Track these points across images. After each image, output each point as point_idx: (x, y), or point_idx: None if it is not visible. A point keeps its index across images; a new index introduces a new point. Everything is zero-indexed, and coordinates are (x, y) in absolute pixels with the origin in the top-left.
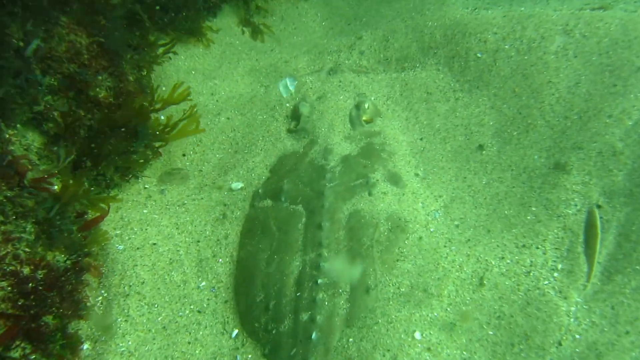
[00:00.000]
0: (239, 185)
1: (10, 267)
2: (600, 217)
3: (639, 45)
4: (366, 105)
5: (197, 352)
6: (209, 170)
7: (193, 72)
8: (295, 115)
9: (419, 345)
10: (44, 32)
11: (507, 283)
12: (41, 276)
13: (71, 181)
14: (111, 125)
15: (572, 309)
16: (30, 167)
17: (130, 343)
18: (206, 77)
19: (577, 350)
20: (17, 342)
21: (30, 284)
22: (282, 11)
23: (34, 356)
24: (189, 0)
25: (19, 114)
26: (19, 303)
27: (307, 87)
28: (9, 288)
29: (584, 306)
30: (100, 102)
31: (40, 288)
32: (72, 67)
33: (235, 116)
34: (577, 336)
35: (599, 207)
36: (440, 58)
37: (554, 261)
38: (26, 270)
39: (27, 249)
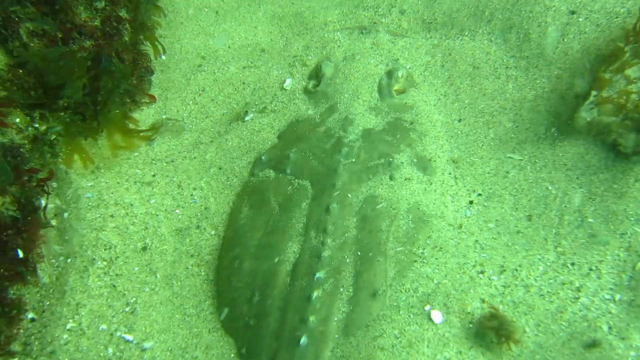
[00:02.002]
0: (240, 146)
1: None
2: None
3: None
4: (400, 74)
5: (159, 339)
6: (208, 125)
7: (206, 10)
8: (315, 75)
9: None
10: None
11: (547, 308)
12: None
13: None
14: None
15: (632, 353)
16: None
17: (83, 317)
18: (220, 17)
19: None
20: None
21: None
22: None
23: None
24: None
25: None
26: None
27: (334, 44)
28: None
29: None
30: (83, 26)
31: None
32: None
33: (246, 67)
34: None
35: None
36: (495, 27)
37: (611, 289)
38: None
39: None
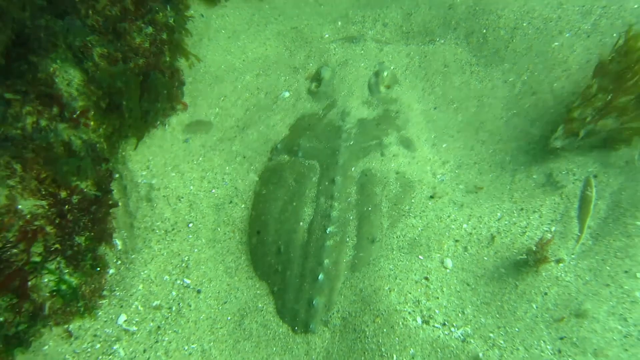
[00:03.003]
0: (259, 138)
1: (50, 189)
2: (595, 186)
3: None
4: (385, 74)
5: (209, 284)
6: (231, 124)
7: (223, 31)
8: (317, 78)
9: (419, 288)
10: None
11: (503, 241)
12: (76, 201)
13: (104, 122)
14: (141, 73)
15: (561, 265)
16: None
17: (151, 271)
18: (236, 36)
19: (561, 297)
20: (54, 256)
21: (67, 206)
22: None
23: (67, 270)
24: None
25: (60, 52)
26: (56, 222)
27: (330, 52)
28: (48, 207)
29: (572, 262)
30: (137, 48)
31: (75, 211)
32: (115, 10)
33: (260, 76)
34: (564, 286)
35: (595, 176)
36: (460, 33)
37: (549, 224)
38: (63, 193)
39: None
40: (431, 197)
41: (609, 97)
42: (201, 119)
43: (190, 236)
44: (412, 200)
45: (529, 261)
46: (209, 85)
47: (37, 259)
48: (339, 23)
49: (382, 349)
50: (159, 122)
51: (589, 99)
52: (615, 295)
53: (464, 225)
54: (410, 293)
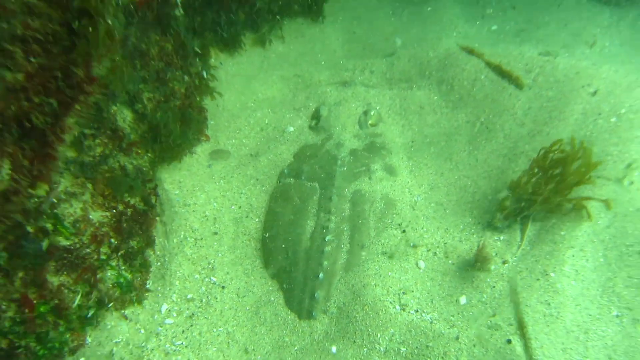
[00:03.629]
0: (269, 164)
1: (111, 204)
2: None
3: (572, 84)
4: (372, 113)
5: (231, 282)
6: (246, 152)
7: (238, 76)
8: (316, 116)
9: (398, 284)
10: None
11: (463, 247)
12: (130, 213)
13: (149, 152)
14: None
15: (506, 265)
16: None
17: (185, 270)
18: (248, 81)
19: (505, 289)
20: (115, 255)
21: (123, 217)
22: (310, 34)
23: (123, 267)
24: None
25: (118, 96)
26: (117, 229)
27: (327, 94)
28: (110, 217)
29: (514, 263)
30: (175, 92)
31: (130, 221)
32: (160, 64)
33: (268, 113)
34: (507, 280)
35: None
36: (433, 81)
37: (499, 234)
38: (120, 207)
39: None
40: (409, 213)
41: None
42: (221, 148)
43: (215, 243)
44: (394, 216)
45: (474, 262)
46: (227, 120)
47: (104, 257)
48: (334, 70)
49: (369, 330)
50: (187, 151)
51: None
52: (543, 287)
53: (435, 235)
54: (391, 287)
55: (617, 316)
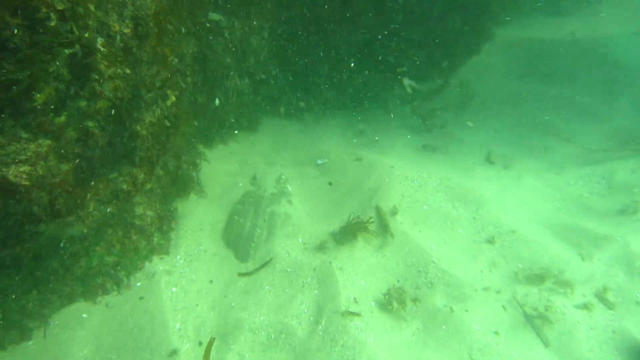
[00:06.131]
0: (230, 198)
1: (157, 210)
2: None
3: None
4: (283, 177)
5: (209, 249)
6: (218, 193)
7: (212, 159)
8: (253, 178)
9: (292, 246)
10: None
11: (325, 229)
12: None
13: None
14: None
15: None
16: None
17: (187, 243)
18: (217, 162)
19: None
20: (157, 231)
21: (163, 217)
22: (252, 139)
23: (160, 236)
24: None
25: None
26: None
27: (260, 168)
28: (157, 217)
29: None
30: (182, 164)
31: (166, 219)
32: (173, 163)
33: (228, 178)
34: None
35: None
36: (320, 170)
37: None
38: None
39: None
40: (294, 218)
41: None
42: (205, 192)
43: (201, 234)
44: (290, 221)
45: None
46: (207, 180)
47: (156, 234)
48: (264, 157)
49: (273, 264)
50: (192, 192)
51: None
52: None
53: (310, 227)
54: (287, 247)
55: None
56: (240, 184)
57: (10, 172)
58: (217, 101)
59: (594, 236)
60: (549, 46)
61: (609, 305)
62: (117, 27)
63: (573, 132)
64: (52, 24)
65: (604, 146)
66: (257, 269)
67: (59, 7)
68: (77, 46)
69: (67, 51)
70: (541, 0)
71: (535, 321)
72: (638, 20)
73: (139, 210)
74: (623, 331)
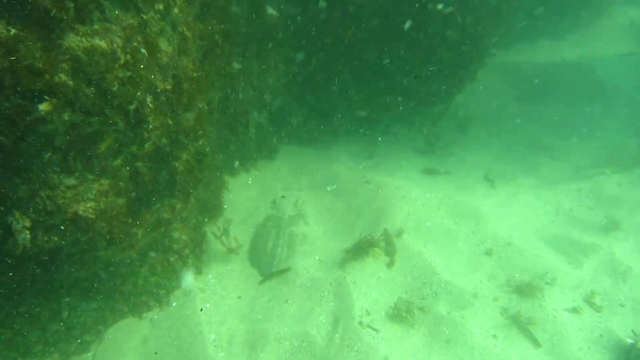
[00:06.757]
0: (254, 220)
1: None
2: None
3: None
4: (300, 201)
5: (234, 268)
6: (243, 216)
7: (236, 187)
8: (273, 202)
9: (311, 261)
10: None
11: (340, 246)
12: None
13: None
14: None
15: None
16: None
17: (216, 263)
18: (241, 189)
19: None
20: (191, 254)
21: (197, 242)
22: (271, 166)
23: (191, 256)
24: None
25: None
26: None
27: (278, 193)
28: (189, 238)
29: None
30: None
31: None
32: (203, 192)
33: (251, 203)
34: None
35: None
36: (333, 193)
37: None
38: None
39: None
40: (310, 239)
41: None
42: (232, 214)
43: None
44: (307, 241)
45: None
46: (232, 204)
47: (190, 256)
48: (282, 183)
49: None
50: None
51: None
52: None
53: (325, 247)
54: (306, 264)
55: None
56: (262, 208)
57: (80, 208)
58: (239, 134)
59: (583, 246)
60: (543, 69)
61: (597, 309)
62: (162, 86)
63: (565, 150)
64: (114, 88)
65: (593, 162)
66: (274, 274)
67: (120, 74)
68: (136, 103)
69: (131, 107)
70: (526, 22)
71: (528, 325)
72: (623, 41)
73: (175, 235)
74: (609, 331)
